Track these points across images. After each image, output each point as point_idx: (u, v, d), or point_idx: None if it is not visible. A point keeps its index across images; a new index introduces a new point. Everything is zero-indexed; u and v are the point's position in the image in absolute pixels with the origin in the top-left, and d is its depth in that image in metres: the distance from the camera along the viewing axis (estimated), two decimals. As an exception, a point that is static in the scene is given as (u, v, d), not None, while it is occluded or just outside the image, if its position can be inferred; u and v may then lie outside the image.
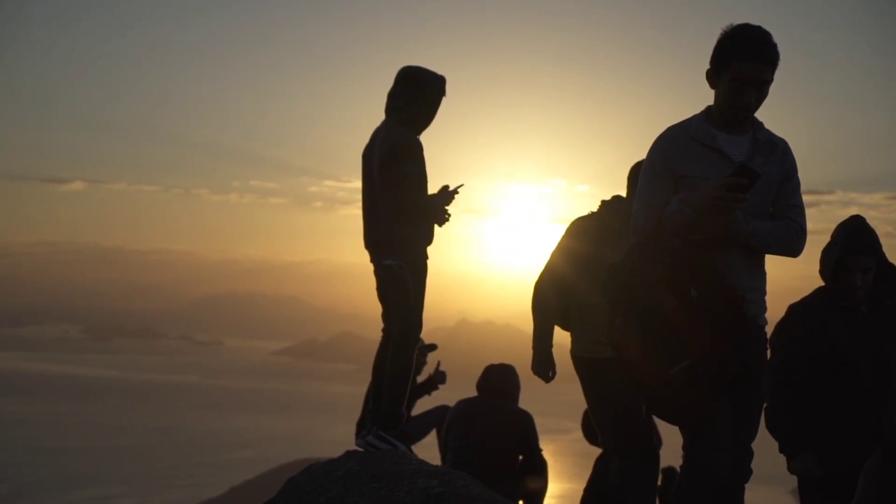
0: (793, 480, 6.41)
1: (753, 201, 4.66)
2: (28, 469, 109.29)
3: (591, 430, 9.43)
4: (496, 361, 9.00)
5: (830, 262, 6.18)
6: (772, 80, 4.75)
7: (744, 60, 4.66)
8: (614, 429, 6.38)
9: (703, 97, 4.93)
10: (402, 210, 6.81)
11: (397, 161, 6.77)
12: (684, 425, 4.80)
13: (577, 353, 6.51)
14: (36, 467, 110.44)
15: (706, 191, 4.56)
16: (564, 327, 6.68)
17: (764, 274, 4.94)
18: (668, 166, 4.79)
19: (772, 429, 6.21)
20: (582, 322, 6.46)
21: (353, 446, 7.06)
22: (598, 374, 6.35)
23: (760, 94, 4.75)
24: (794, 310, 6.31)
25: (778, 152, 4.88)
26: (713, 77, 4.80)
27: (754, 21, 4.80)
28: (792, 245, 4.86)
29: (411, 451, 6.91)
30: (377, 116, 7.02)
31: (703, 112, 4.87)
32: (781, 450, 6.26)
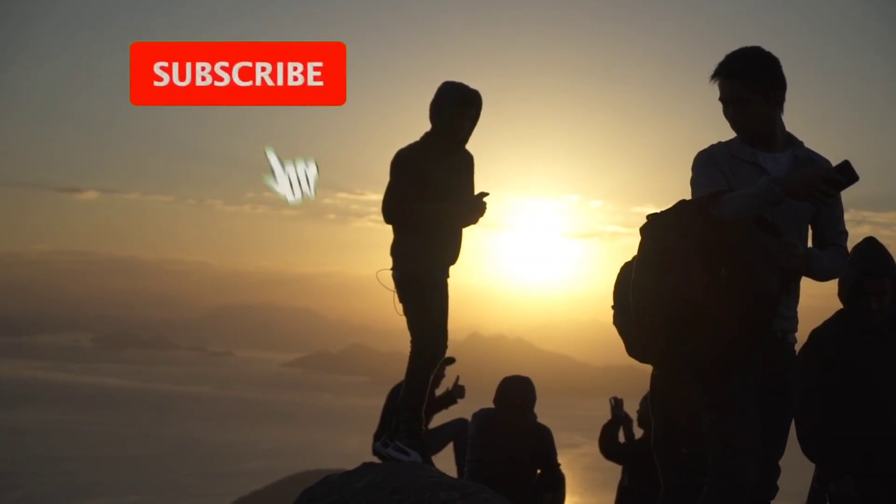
0: (802, 496, 6.36)
1: (786, 214, 4.63)
2: (39, 477, 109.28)
3: (610, 444, 9.37)
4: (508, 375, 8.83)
5: (847, 286, 6.12)
6: (748, 96, 4.70)
7: (714, 80, 4.74)
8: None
9: (718, 115, 4.89)
10: (392, 222, 6.86)
11: (390, 175, 6.86)
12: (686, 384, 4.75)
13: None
14: (47, 476, 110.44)
15: (803, 175, 4.48)
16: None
17: (798, 289, 4.85)
18: (718, 174, 4.70)
19: (810, 455, 6.14)
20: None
21: (367, 458, 7.06)
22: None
23: (741, 111, 4.72)
24: (816, 335, 6.20)
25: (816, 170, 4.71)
26: None
27: (764, 42, 4.82)
28: (836, 275, 4.85)
29: (431, 463, 6.89)
30: (392, 130, 7.10)
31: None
32: (823, 474, 6.17)
